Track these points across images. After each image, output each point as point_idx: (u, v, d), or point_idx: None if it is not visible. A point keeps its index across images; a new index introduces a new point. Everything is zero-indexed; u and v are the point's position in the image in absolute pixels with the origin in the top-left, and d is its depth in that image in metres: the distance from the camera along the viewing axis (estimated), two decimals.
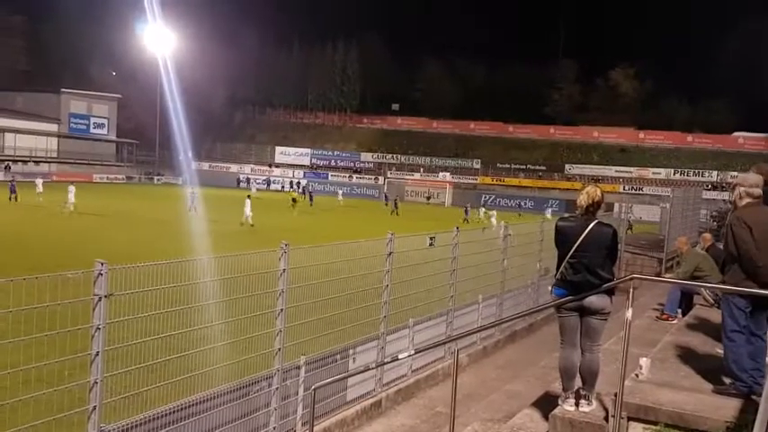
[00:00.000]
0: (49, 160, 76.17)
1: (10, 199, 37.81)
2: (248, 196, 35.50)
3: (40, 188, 40.84)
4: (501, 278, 13.70)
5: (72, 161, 77.44)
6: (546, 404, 6.27)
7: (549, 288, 6.20)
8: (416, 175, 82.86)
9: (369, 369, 8.72)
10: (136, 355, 6.15)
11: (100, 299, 5.64)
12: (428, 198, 72.16)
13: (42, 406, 5.85)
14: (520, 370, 11.44)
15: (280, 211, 43.81)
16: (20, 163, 71.80)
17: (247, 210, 32.86)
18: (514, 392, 9.41)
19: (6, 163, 70.02)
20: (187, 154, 79.31)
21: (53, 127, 77.98)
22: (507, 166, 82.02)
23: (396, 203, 52.94)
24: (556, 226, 6.01)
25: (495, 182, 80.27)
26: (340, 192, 64.94)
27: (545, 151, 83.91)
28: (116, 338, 5.96)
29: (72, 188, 35.07)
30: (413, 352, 8.76)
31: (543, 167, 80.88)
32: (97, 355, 5.68)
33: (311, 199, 54.13)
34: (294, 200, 45.74)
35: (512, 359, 12.76)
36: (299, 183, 75.38)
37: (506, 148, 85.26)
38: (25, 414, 5.80)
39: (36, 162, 74.11)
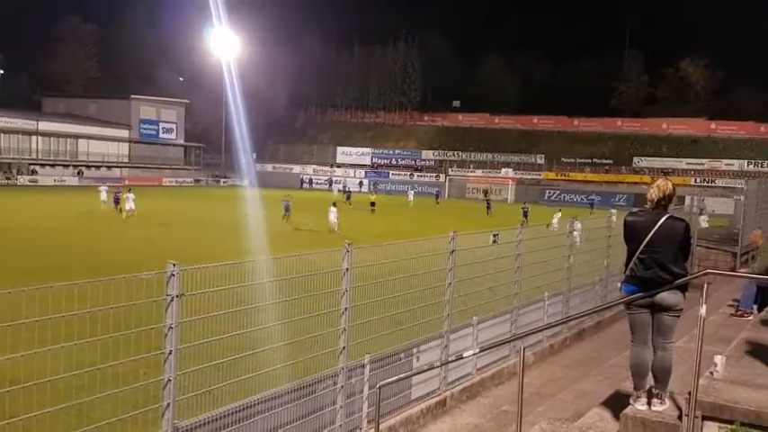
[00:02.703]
0: (120, 165, 78.88)
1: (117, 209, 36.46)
2: (334, 203, 34.84)
3: (103, 196, 39.21)
4: (567, 275, 13.46)
5: (142, 165, 79.98)
6: (616, 403, 6.12)
7: (619, 285, 6.05)
8: (478, 172, 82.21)
9: (433, 367, 8.70)
10: (205, 353, 6.30)
11: (172, 299, 5.80)
12: (485, 193, 71.19)
13: (119, 403, 6.06)
14: (588, 368, 11.21)
15: (357, 213, 43.93)
16: (93, 168, 74.57)
17: (332, 216, 32.04)
18: (583, 391, 9.23)
19: (79, 168, 72.82)
20: (251, 156, 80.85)
21: (124, 133, 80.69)
22: (572, 160, 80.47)
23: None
24: (625, 221, 5.87)
25: (559, 177, 78.88)
26: (411, 192, 62.44)
27: (611, 144, 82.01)
28: (186, 337, 6.12)
29: (131, 195, 34.58)
30: (477, 350, 8.68)
31: (610, 161, 79.04)
32: (170, 353, 5.85)
33: (349, 198, 54.09)
34: (373, 203, 45.05)
35: (580, 357, 12.52)
36: (344, 185, 75.88)
37: (571, 142, 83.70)
38: (104, 411, 6.02)
39: (108, 167, 76.82)
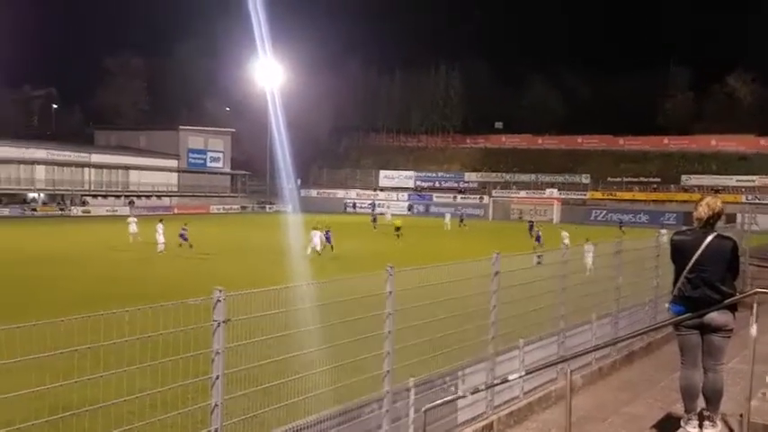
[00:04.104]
0: (169, 194, 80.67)
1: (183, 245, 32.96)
2: (314, 227, 34.05)
3: (133, 228, 35.73)
4: (615, 296, 13.23)
5: (190, 194, 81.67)
6: (668, 426, 5.99)
7: (667, 305, 5.95)
8: (522, 193, 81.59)
9: (478, 391, 8.62)
10: (252, 378, 6.38)
11: (219, 324, 5.90)
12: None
13: (168, 428, 6.17)
14: (639, 391, 10.95)
15: (378, 237, 44.15)
16: (143, 198, 76.46)
17: (316, 239, 31.83)
18: (633, 415, 9.01)
19: (130, 198, 74.72)
20: (295, 182, 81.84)
21: (173, 162, 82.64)
22: (618, 179, 79.31)
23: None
24: (671, 240, 5.79)
25: (605, 196, 77.75)
26: (447, 215, 62.05)
27: (659, 163, 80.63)
28: (233, 362, 6.21)
29: (160, 226, 31.91)
30: (523, 373, 8.59)
31: (658, 179, 77.67)
32: (217, 378, 5.94)
33: (374, 220, 53.90)
34: (398, 228, 44.42)
35: (630, 380, 12.25)
36: (373, 204, 76.13)
37: (617, 161, 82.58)
38: None
39: (158, 196, 78.66)
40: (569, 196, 78.72)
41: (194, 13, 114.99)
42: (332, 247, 32.90)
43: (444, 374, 8.68)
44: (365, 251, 33.85)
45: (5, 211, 62.08)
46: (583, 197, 78.85)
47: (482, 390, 8.80)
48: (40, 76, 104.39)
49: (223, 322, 5.87)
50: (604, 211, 72.73)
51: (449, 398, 8.08)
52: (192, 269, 26.13)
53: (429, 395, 8.12)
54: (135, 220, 36.38)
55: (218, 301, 5.83)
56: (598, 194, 78.33)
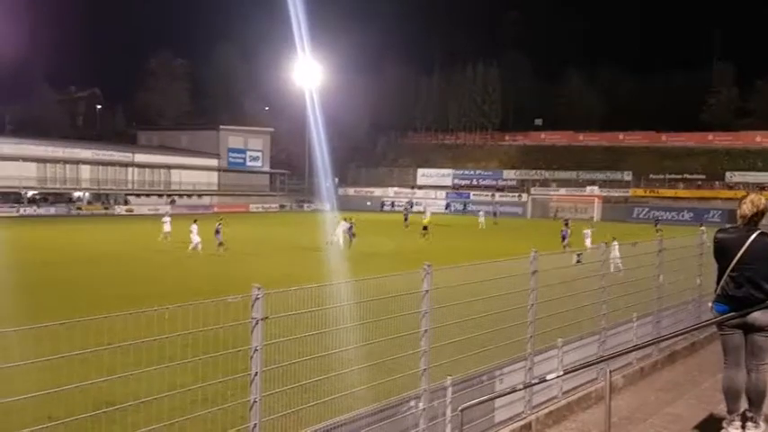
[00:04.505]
0: (210, 193, 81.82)
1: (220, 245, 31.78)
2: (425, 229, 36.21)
3: (167, 227, 35.30)
4: (656, 295, 13.01)
5: (230, 193, 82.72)
6: (710, 427, 5.89)
7: (710, 304, 5.85)
8: (562, 191, 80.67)
9: (516, 390, 8.56)
10: (290, 375, 6.44)
11: (257, 322, 5.98)
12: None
13: (209, 424, 6.28)
14: (681, 392, 10.76)
15: (406, 236, 44.01)
16: (185, 197, 77.71)
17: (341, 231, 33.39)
18: (675, 415, 8.86)
19: (172, 197, 76.00)
20: (332, 181, 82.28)
21: (213, 162, 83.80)
22: (661, 176, 77.92)
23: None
24: (714, 238, 5.69)
25: (648, 194, 76.45)
26: (481, 213, 59.48)
27: (703, 159, 78.93)
28: (271, 359, 6.28)
29: (194, 226, 31.18)
30: (561, 372, 8.50)
31: (702, 176, 76.06)
32: (256, 375, 6.02)
33: (406, 219, 53.21)
34: (425, 227, 43.34)
35: (672, 380, 12.04)
36: (410, 203, 75.93)
37: (660, 157, 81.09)
38: (197, 431, 6.24)
39: (199, 195, 79.84)
40: (610, 194, 77.56)
41: (235, 15, 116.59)
42: (352, 238, 34.63)
43: (482, 373, 8.65)
44: (386, 249, 34.08)
45: (52, 210, 63.74)
46: (625, 195, 77.63)
47: (520, 389, 8.74)
48: (84, 77, 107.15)
49: (261, 320, 5.94)
50: (646, 209, 71.50)
51: (486, 397, 8.05)
52: (227, 268, 26.45)
53: (466, 394, 8.10)
54: (169, 219, 36.04)
55: (257, 298, 5.91)
56: (640, 192, 77.04)
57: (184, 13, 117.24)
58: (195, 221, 32.08)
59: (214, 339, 5.96)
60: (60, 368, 5.69)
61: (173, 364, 5.96)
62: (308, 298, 6.56)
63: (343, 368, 7.04)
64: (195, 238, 31.00)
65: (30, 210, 62.28)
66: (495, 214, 61.35)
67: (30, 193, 65.72)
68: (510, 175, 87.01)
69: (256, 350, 5.98)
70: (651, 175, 78.15)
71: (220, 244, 31.60)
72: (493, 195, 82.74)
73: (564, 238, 34.22)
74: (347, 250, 32.92)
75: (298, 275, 20.79)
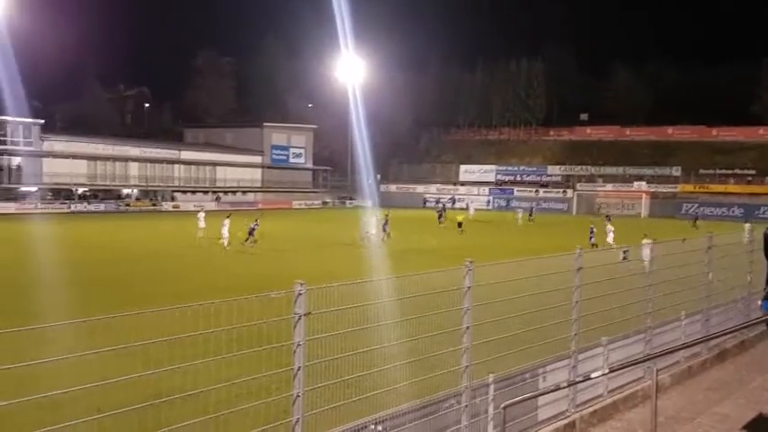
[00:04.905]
0: (253, 190, 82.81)
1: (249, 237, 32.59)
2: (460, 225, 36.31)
3: (202, 223, 34.76)
4: (705, 293, 12.71)
5: (274, 190, 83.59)
6: (759, 427, 5.75)
7: (760, 302, 5.70)
8: (608, 187, 79.36)
9: (560, 388, 8.48)
10: (331, 370, 6.50)
11: (300, 317, 6.04)
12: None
13: (252, 417, 6.37)
14: (730, 391, 10.52)
15: (441, 232, 43.86)
16: (229, 193, 78.84)
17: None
18: (724, 415, 8.69)
19: (217, 194, 77.16)
20: (374, 177, 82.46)
21: (257, 159, 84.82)
22: (711, 171, 76.01)
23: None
24: (764, 235, 5.55)
25: (697, 189, 74.69)
26: (520, 210, 60.48)
27: (754, 154, 76.82)
28: (314, 354, 6.34)
29: (227, 221, 31.74)
30: (606, 371, 8.39)
31: (753, 171, 74.00)
32: (299, 369, 6.08)
33: (440, 217, 52.50)
34: (460, 224, 43.30)
35: (720, 379, 11.76)
36: (438, 200, 75.67)
37: (710, 152, 79.20)
38: (242, 424, 6.34)
39: (243, 192, 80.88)
40: (658, 189, 76.07)
41: (280, 12, 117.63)
42: (386, 234, 35.18)
43: (525, 371, 8.58)
44: (421, 245, 34.11)
45: (101, 207, 65.35)
46: (673, 190, 76.04)
47: (564, 387, 8.65)
48: (133, 75, 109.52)
49: (304, 315, 6.00)
50: (695, 205, 69.91)
51: (529, 394, 7.99)
52: (267, 265, 26.76)
53: (509, 392, 8.05)
54: (204, 215, 35.75)
55: (300, 294, 5.97)
56: (690, 187, 75.34)
57: (230, 12, 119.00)
58: (228, 216, 32.60)
59: (258, 334, 6.04)
60: (108, 360, 5.85)
61: (218, 357, 6.06)
62: (349, 294, 6.60)
63: (385, 364, 7.07)
64: (225, 233, 31.45)
65: (80, 206, 63.91)
66: (531, 212, 60.56)
67: (80, 190, 67.46)
68: (555, 170, 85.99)
69: (299, 345, 6.04)
70: (701, 171, 76.34)
71: (248, 239, 32.21)
72: (537, 191, 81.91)
73: (591, 236, 33.42)
74: (383, 246, 33.09)
75: (338, 272, 20.97)
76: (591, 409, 9.53)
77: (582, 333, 9.39)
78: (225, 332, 5.90)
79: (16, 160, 63.33)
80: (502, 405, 6.19)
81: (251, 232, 32.68)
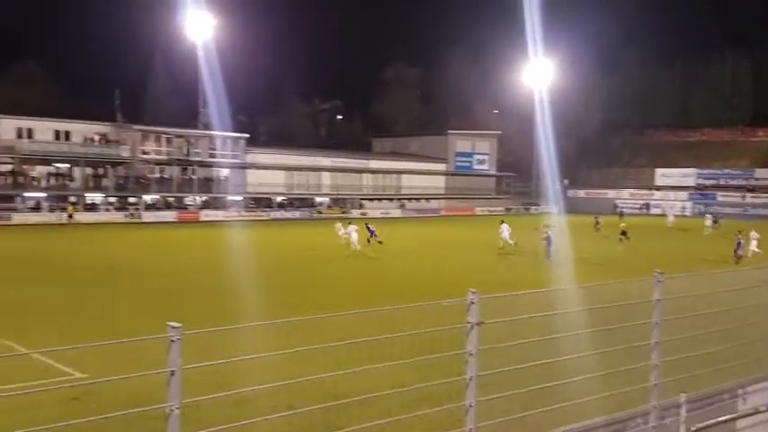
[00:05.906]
0: (437, 197, 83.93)
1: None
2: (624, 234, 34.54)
3: (342, 231, 35.83)
4: None
5: (457, 196, 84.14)
6: None
7: None
8: None
9: (759, 412, 7.68)
10: (506, 380, 6.38)
11: (472, 326, 6.00)
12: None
13: (427, 424, 6.44)
14: None
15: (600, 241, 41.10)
16: (413, 200, 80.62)
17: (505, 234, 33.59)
18: None
19: (402, 201, 79.15)
20: (561, 182, 79.99)
21: (441, 166, 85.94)
22: None
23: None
24: None
25: None
26: (709, 217, 54.00)
27: None
28: (486, 363, 6.27)
29: (353, 227, 33.88)
30: None
31: None
32: (471, 379, 6.03)
33: (597, 224, 48.29)
34: (624, 232, 39.31)
35: None
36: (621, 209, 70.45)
37: None
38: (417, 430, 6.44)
39: (427, 199, 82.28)
40: None
41: (464, 22, 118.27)
42: (550, 247, 33.17)
43: (722, 391, 7.88)
44: (588, 256, 32.60)
45: (297, 214, 69.78)
46: None
47: (764, 411, 7.82)
48: (327, 89, 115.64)
49: (476, 324, 5.95)
50: None
51: (724, 417, 7.33)
52: (442, 271, 26.91)
53: (703, 413, 7.44)
54: (341, 225, 36.99)
55: (472, 303, 5.93)
56: None
57: (416, 21, 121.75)
58: (350, 223, 35.69)
59: (431, 341, 6.09)
60: (293, 362, 6.19)
61: (395, 362, 6.18)
62: (521, 304, 6.45)
63: (562, 378, 6.82)
64: (354, 236, 33.20)
65: (278, 213, 68.74)
66: (715, 219, 53.33)
67: (279, 199, 72.48)
68: (763, 174, 78.29)
69: (471, 354, 6.00)
70: None
71: (377, 241, 34.82)
72: (744, 196, 75.09)
73: (737, 249, 28.02)
74: (546, 259, 31.65)
75: (507, 281, 20.64)
76: None
77: None
78: (400, 338, 6.02)
79: (224, 172, 69.39)
80: (692, 428, 5.72)
81: (372, 234, 35.54)
